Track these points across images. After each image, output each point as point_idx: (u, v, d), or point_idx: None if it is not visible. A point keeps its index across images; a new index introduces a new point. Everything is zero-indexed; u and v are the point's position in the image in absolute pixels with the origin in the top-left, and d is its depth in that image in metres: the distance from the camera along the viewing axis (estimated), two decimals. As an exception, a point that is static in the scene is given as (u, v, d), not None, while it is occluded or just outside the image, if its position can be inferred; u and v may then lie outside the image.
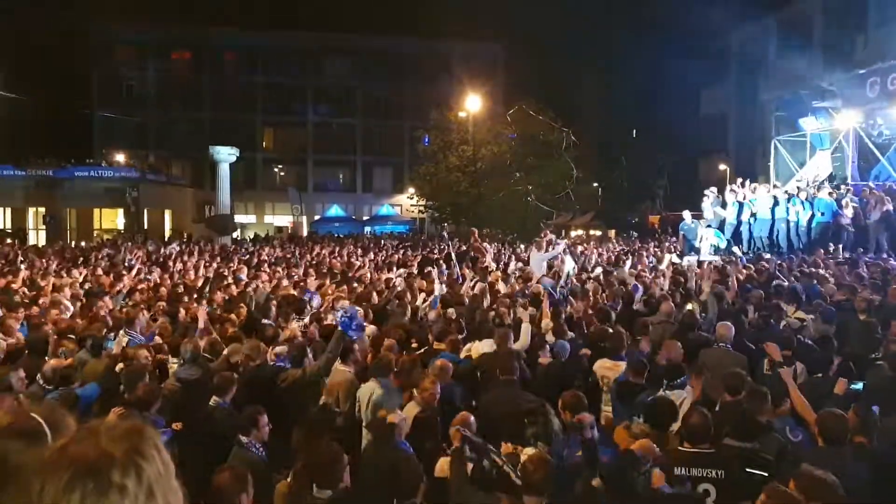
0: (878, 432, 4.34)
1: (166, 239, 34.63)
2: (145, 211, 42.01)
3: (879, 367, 5.45)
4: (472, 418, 4.60)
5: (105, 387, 5.56)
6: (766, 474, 3.75)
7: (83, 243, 32.22)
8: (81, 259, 17.90)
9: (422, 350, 6.84)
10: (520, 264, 14.22)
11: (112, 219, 44.03)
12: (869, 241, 14.86)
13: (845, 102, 20.32)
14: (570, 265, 12.24)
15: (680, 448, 4.04)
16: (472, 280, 11.11)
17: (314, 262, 16.98)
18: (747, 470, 3.83)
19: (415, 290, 10.50)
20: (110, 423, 1.22)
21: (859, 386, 5.19)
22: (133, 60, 49.64)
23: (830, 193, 16.32)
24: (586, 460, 3.92)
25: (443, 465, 4.11)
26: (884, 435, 4.37)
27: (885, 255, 13.84)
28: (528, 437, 4.39)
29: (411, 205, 38.57)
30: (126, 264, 15.43)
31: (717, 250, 16.42)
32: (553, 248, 13.57)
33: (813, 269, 11.33)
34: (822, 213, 15.76)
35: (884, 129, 20.08)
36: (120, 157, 46.71)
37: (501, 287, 10.39)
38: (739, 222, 17.13)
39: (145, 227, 40.94)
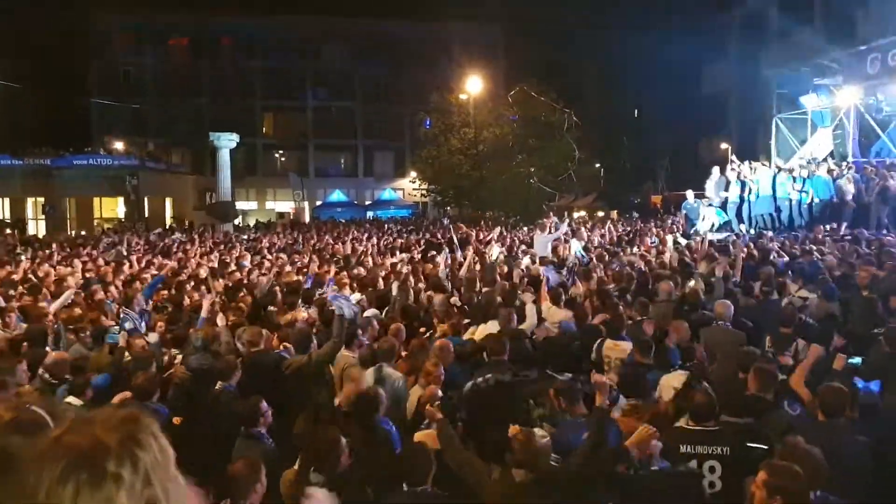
0: (880, 407, 4.42)
1: (167, 227, 34.70)
2: (146, 199, 41.87)
3: (879, 344, 5.51)
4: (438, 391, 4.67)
5: (115, 377, 5.63)
6: (765, 447, 3.82)
7: (83, 232, 32.35)
8: (84, 249, 17.96)
9: (427, 334, 6.91)
10: (523, 247, 14.26)
11: (112, 207, 44.00)
12: (870, 217, 14.86)
13: (846, 79, 20.22)
14: (576, 246, 12.23)
15: (685, 426, 4.11)
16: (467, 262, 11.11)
17: (317, 248, 17.03)
18: (748, 444, 3.90)
19: (419, 274, 10.55)
20: (106, 413, 1.21)
21: (857, 361, 5.27)
22: (131, 47, 49.37)
23: (830, 171, 16.28)
24: (592, 440, 3.82)
25: (423, 438, 4.12)
26: (887, 410, 4.45)
27: (885, 232, 13.86)
28: (534, 418, 4.49)
29: (413, 189, 38.59)
30: (126, 255, 15.45)
31: (719, 228, 16.44)
32: (556, 230, 13.61)
33: (814, 247, 11.36)
34: (822, 191, 15.77)
35: (884, 106, 19.99)
36: (119, 145, 46.57)
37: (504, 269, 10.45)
38: (742, 200, 17.11)
39: (146, 215, 40.89)
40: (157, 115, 49.23)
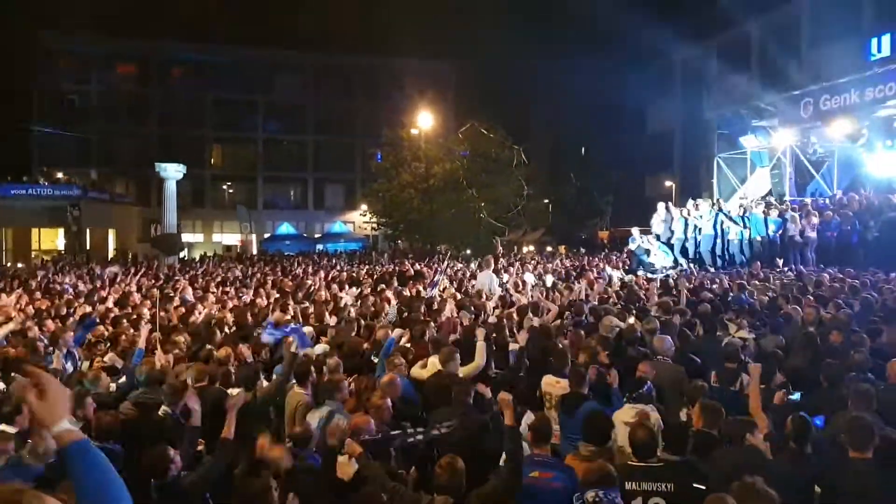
0: (818, 439, 4.46)
1: (109, 259, 33.45)
2: (87, 230, 40.47)
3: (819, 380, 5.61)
4: (371, 422, 4.60)
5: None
6: (704, 487, 3.78)
7: (19, 265, 30.83)
8: (17, 282, 17.07)
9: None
10: (474, 281, 14.20)
11: (52, 239, 42.29)
12: (804, 254, 15.41)
13: (782, 121, 21.19)
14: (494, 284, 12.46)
15: (630, 463, 4.06)
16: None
17: (264, 282, 16.58)
18: (694, 485, 3.86)
19: (369, 308, 10.38)
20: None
21: (796, 396, 5.35)
22: (76, 73, 48.07)
23: (764, 211, 16.89)
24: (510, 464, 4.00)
25: (345, 468, 4.03)
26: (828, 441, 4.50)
27: (821, 267, 14.35)
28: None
29: (364, 222, 38.35)
30: (60, 287, 14.78)
31: (664, 267, 16.75)
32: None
33: (756, 282, 11.67)
34: (759, 229, 16.36)
35: (818, 148, 21.01)
36: (60, 175, 44.99)
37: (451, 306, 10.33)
38: (685, 237, 17.56)
39: (87, 247, 39.45)
40: (101, 143, 47.88)
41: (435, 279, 13.34)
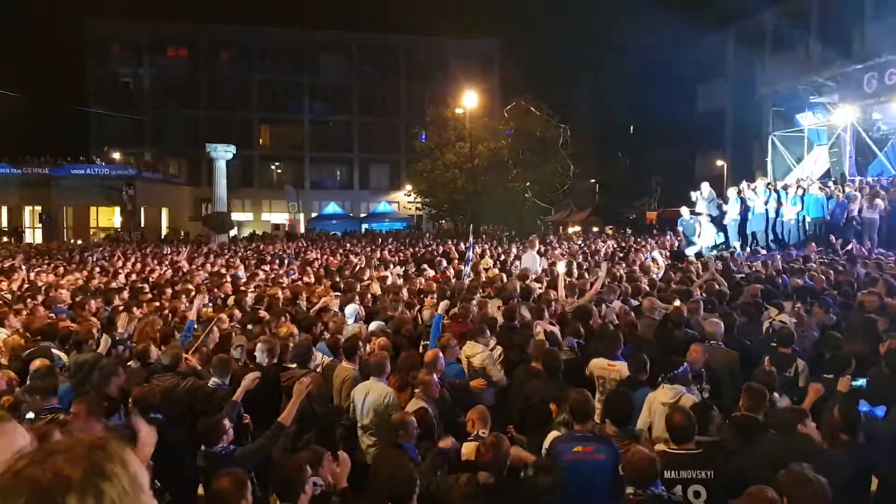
0: (878, 429, 4.32)
1: (163, 237, 34.57)
2: (142, 209, 41.89)
3: (879, 366, 5.41)
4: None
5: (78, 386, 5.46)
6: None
7: (79, 241, 32.20)
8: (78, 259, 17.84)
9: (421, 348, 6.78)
10: (517, 262, 14.16)
11: (109, 217, 43.94)
12: (863, 237, 14.80)
13: (842, 97, 20.29)
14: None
15: (668, 450, 3.97)
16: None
17: (310, 261, 16.87)
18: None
19: (413, 288, 10.47)
20: (71, 442, 1.14)
21: (861, 382, 5.14)
22: (129, 58, 49.52)
23: (821, 189, 16.26)
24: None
25: (469, 449, 4.15)
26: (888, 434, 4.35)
27: (879, 251, 13.77)
28: (556, 422, 4.54)
29: (408, 202, 38.55)
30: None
31: (715, 247, 16.37)
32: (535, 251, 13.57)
33: (812, 265, 11.28)
34: (815, 209, 15.76)
35: (881, 125, 20.07)
36: (116, 155, 46.60)
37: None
38: (742, 218, 17.05)
39: (142, 225, 40.85)
40: (154, 125, 49.29)
41: (468, 256, 13.40)
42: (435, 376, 5.27)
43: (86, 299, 9.46)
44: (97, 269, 14.84)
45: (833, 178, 19.43)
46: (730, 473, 3.78)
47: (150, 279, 12.98)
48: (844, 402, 4.40)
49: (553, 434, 4.36)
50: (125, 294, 10.30)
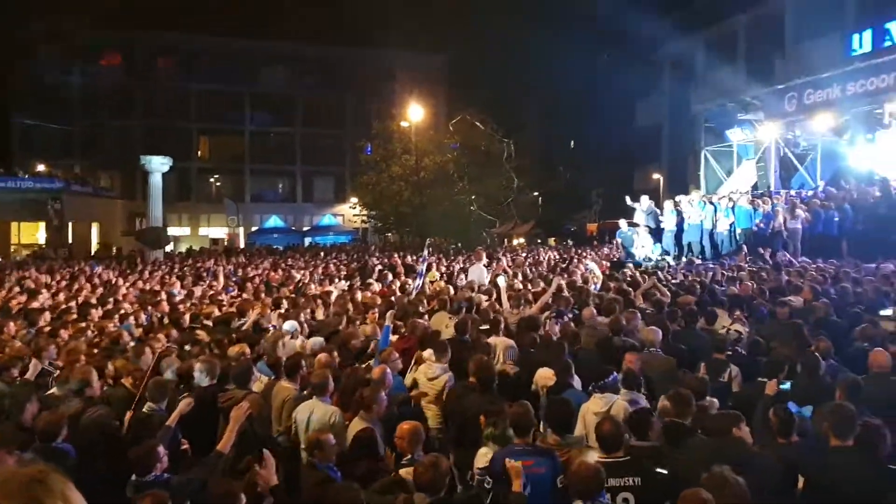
0: (807, 429, 4.53)
1: (92, 253, 33.16)
2: (70, 224, 39.97)
3: (803, 369, 5.68)
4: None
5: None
6: (666, 472, 3.83)
7: None
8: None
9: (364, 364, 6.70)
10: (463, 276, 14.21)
11: (33, 233, 41.68)
12: (789, 246, 15.56)
13: (767, 115, 21.37)
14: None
15: (598, 458, 4.00)
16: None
17: (250, 277, 16.48)
18: (656, 470, 3.90)
19: (357, 302, 10.35)
20: (6, 474, 1.05)
21: (787, 386, 5.39)
22: (58, 63, 47.28)
23: (749, 201, 17.06)
24: None
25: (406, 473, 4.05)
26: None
27: (803, 259, 14.49)
28: (484, 436, 4.46)
29: (354, 214, 38.25)
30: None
31: (651, 258, 16.86)
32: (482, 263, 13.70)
33: (743, 274, 11.77)
34: (744, 220, 16.52)
35: (801, 141, 21.20)
36: (41, 167, 44.32)
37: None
38: (678, 229, 17.66)
39: (70, 241, 38.98)
40: (84, 135, 47.23)
41: (420, 270, 13.33)
42: (383, 393, 5.16)
43: (3, 321, 8.93)
44: (16, 289, 14.00)
45: (760, 191, 20.38)
46: (659, 479, 3.85)
47: (78, 298, 12.38)
48: (774, 404, 4.59)
49: (483, 450, 4.33)
50: (46, 315, 9.73)
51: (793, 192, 19.36)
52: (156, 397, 5.19)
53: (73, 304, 11.13)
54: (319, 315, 9.69)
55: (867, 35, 18.75)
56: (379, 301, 10.21)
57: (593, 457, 4.02)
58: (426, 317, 8.55)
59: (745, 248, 15.95)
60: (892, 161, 18.41)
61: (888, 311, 7.65)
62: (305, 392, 5.63)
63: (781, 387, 5.31)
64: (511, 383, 5.98)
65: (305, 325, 8.39)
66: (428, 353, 6.40)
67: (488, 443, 4.34)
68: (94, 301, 11.41)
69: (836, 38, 20.35)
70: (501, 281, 10.22)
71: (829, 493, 3.90)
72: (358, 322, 8.69)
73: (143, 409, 5.13)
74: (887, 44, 18.02)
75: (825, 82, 18.79)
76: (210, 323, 8.93)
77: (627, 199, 18.44)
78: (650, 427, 4.28)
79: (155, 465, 4.05)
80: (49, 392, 5.72)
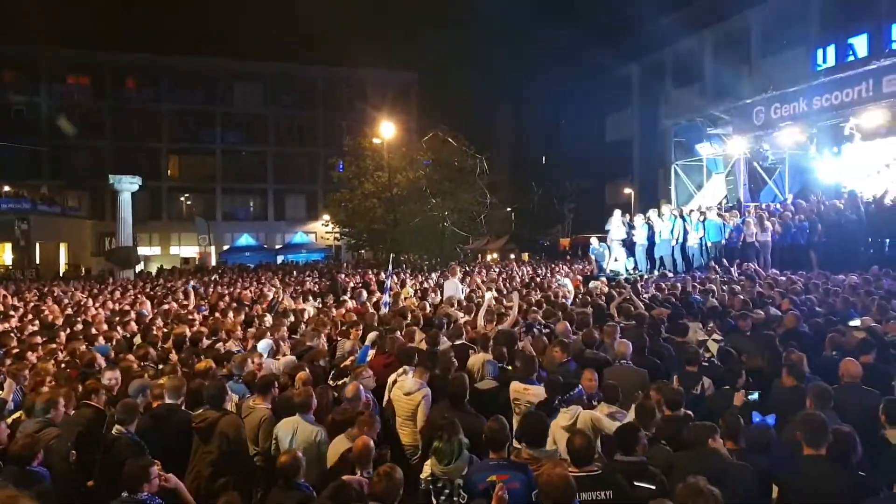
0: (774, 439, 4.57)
1: (61, 274, 32.44)
2: (37, 245, 39.17)
3: (779, 379, 5.74)
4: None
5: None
6: (653, 487, 3.82)
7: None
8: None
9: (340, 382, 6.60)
10: (438, 292, 14.20)
11: (-1, 254, 40.73)
12: (753, 258, 15.81)
13: (735, 129, 21.76)
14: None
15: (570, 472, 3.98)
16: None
17: (221, 295, 16.23)
18: (636, 484, 3.88)
19: (335, 320, 10.25)
20: None
21: (755, 396, 5.45)
22: (23, 84, 46.47)
23: (719, 215, 17.32)
24: None
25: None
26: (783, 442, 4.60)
27: (773, 271, 14.73)
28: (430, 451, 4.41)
29: (326, 232, 38.02)
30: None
31: (623, 272, 17.01)
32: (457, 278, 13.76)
33: (712, 287, 11.91)
34: (714, 233, 16.78)
35: (769, 155, 21.62)
36: (7, 188, 43.36)
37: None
38: (650, 242, 17.84)
39: (37, 261, 38.16)
40: (52, 156, 46.35)
41: (387, 285, 13.40)
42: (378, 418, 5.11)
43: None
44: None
45: (730, 204, 20.73)
46: (636, 493, 3.84)
47: (45, 319, 12.07)
48: (740, 414, 4.65)
49: (429, 462, 4.29)
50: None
51: (762, 206, 19.71)
52: (124, 420, 5.05)
53: (35, 325, 10.86)
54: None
55: (831, 50, 19.23)
56: (353, 318, 10.12)
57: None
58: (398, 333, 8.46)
59: (715, 261, 16.18)
60: (858, 174, 18.90)
61: (856, 322, 7.77)
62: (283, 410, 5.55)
63: (750, 397, 5.37)
64: (489, 398, 5.95)
65: (283, 344, 8.25)
66: (403, 368, 6.35)
67: (432, 456, 4.30)
68: (59, 323, 11.15)
69: (802, 53, 20.83)
70: (489, 296, 10.27)
71: (802, 502, 3.92)
72: (337, 339, 8.62)
73: (112, 432, 5.02)
74: (850, 58, 18.46)
75: (791, 96, 19.17)
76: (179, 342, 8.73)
77: (616, 212, 18.62)
78: (637, 442, 4.28)
79: (143, 485, 4.02)
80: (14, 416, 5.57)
